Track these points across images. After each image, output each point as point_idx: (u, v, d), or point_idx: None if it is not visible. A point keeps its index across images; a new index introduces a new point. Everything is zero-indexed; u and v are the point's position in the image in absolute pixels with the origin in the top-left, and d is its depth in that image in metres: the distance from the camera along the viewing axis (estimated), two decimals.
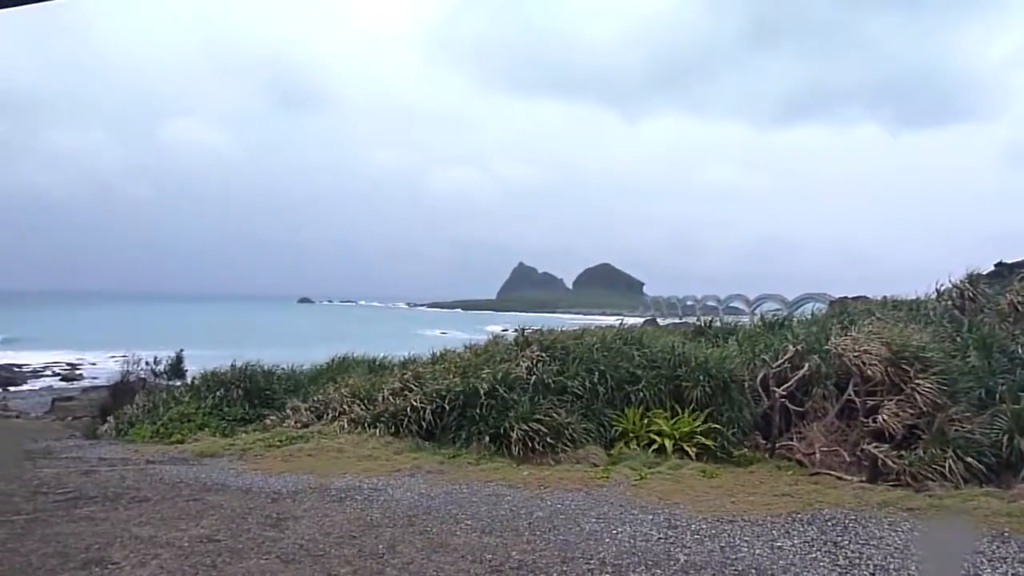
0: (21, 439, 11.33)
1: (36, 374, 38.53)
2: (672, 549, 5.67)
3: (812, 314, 15.04)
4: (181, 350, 15.69)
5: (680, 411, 9.85)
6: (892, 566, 5.21)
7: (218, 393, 12.00)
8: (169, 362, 15.25)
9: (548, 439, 9.09)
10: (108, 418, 12.50)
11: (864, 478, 8.06)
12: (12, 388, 31.35)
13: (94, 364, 40.00)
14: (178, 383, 14.05)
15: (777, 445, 9.59)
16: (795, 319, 13.98)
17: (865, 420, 8.94)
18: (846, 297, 18.11)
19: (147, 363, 15.03)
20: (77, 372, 39.20)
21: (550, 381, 10.05)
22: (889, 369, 8.90)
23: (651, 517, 6.54)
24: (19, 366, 40.12)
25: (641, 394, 10.04)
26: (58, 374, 38.62)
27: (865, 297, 15.13)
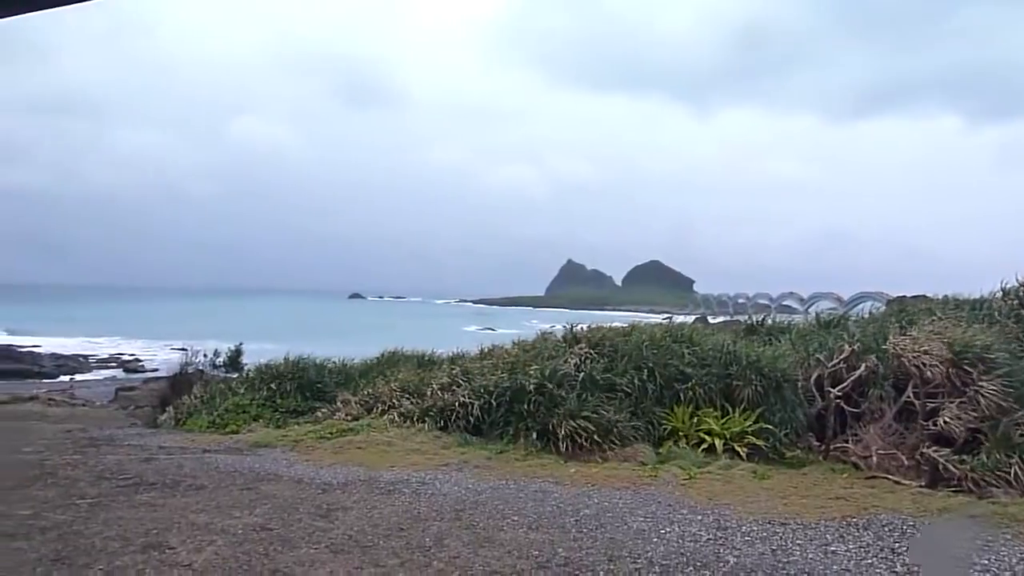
0: (86, 427, 11.79)
1: (102, 364, 40.17)
2: (721, 551, 5.58)
3: (869, 313, 14.65)
4: (240, 343, 16.03)
5: (731, 410, 9.68)
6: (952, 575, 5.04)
7: (272, 385, 12.29)
8: (228, 354, 15.62)
9: (596, 436, 9.03)
10: (168, 408, 12.93)
11: (923, 483, 7.79)
12: (79, 377, 32.76)
13: (155, 356, 41.43)
14: (234, 375, 14.42)
15: (831, 447, 9.34)
16: (851, 318, 13.60)
17: (925, 423, 8.63)
18: (904, 296, 17.49)
19: (205, 355, 15.45)
20: (140, 363, 40.66)
21: (598, 378, 9.98)
22: (951, 370, 8.56)
23: (700, 517, 6.45)
24: (86, 356, 41.91)
25: (691, 392, 9.89)
26: (122, 365, 40.14)
27: (925, 296, 14.57)
